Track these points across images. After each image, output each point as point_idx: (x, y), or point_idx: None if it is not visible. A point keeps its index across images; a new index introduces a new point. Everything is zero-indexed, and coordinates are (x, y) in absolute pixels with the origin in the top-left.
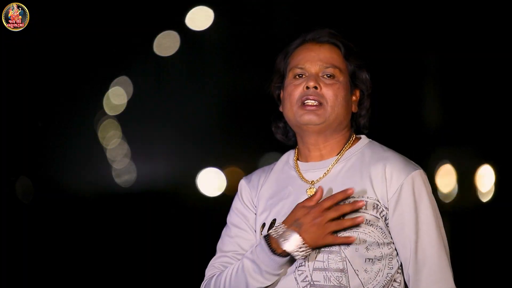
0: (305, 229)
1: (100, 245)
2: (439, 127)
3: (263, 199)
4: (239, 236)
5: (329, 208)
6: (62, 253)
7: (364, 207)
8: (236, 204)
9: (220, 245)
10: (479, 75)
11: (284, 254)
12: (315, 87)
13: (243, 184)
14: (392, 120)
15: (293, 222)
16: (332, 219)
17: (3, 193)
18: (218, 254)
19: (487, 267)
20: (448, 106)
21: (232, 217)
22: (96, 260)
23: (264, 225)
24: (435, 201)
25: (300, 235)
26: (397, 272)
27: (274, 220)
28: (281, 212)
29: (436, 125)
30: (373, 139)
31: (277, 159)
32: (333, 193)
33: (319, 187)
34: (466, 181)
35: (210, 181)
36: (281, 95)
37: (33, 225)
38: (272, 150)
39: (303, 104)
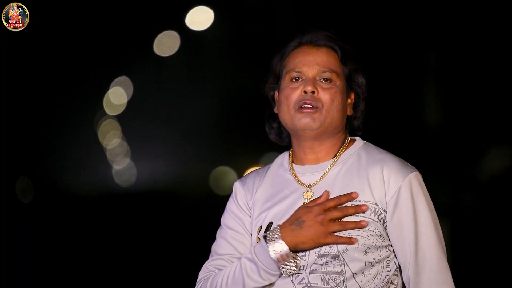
0: (307, 226)
1: (100, 245)
2: (439, 127)
3: (258, 202)
4: (235, 239)
5: (332, 209)
6: (62, 253)
7: (362, 211)
8: (231, 206)
9: (215, 247)
10: (479, 75)
11: None
12: (313, 92)
13: (237, 186)
14: (392, 120)
15: (294, 220)
16: (335, 220)
17: (3, 193)
18: (213, 256)
19: (487, 267)
20: (448, 106)
21: (228, 220)
22: (96, 260)
23: (261, 227)
24: (432, 203)
25: (301, 233)
26: (394, 274)
27: (271, 223)
28: (278, 215)
29: (436, 125)
30: (372, 139)
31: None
32: (331, 196)
33: (325, 191)
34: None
35: (223, 180)
36: (275, 95)
37: (33, 225)
38: (272, 150)
39: (300, 109)
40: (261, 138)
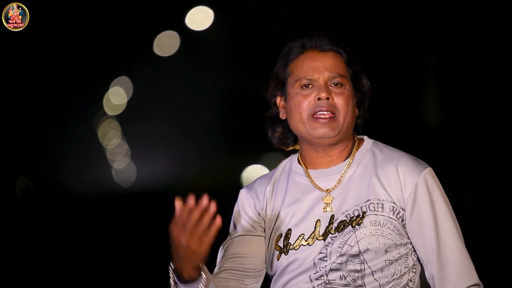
0: (174, 251)
1: (100, 245)
2: (439, 127)
3: (274, 209)
4: (235, 241)
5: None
6: (62, 253)
7: (381, 210)
8: (237, 214)
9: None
10: (479, 75)
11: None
12: (327, 98)
13: (245, 194)
14: (392, 120)
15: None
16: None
17: (3, 193)
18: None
19: (487, 267)
20: (448, 106)
21: (236, 224)
22: (96, 260)
23: (280, 235)
24: (446, 196)
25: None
26: (412, 271)
27: (290, 230)
28: (296, 222)
29: (436, 125)
30: (373, 139)
31: (277, 159)
32: (347, 200)
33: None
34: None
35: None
36: (278, 101)
37: (33, 225)
38: (272, 150)
39: (315, 117)
40: (261, 138)
